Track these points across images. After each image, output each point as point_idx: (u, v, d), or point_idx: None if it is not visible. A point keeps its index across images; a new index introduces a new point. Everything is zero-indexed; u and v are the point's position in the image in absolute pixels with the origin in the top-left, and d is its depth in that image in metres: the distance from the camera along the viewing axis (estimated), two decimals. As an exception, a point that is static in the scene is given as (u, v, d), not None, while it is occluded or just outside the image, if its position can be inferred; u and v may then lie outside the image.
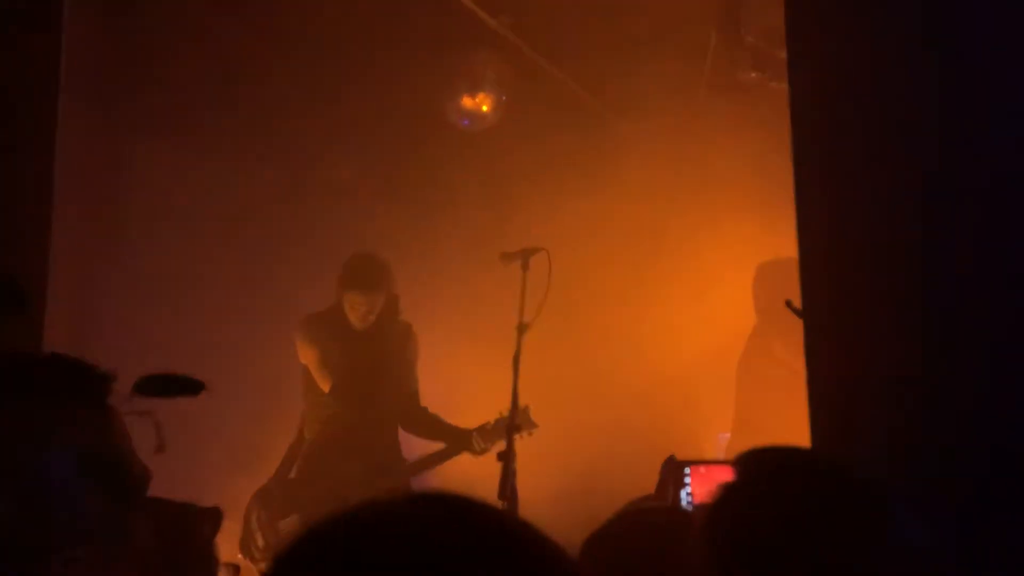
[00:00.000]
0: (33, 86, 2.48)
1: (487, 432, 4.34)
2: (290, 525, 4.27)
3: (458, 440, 4.41)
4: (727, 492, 1.21)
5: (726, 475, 1.25)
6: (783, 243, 4.35)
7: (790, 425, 4.06)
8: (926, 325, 1.95)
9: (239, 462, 4.53)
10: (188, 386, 1.27)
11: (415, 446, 4.62)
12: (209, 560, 1.18)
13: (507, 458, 3.75)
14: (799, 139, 2.19)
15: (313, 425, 4.44)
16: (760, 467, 1.23)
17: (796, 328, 4.09)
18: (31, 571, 0.97)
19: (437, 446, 4.52)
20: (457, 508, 0.74)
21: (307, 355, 4.40)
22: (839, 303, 2.11)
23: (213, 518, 1.22)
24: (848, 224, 2.12)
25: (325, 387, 4.37)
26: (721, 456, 5.19)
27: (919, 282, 1.97)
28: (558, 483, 4.59)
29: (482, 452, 4.36)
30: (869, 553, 1.09)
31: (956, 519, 1.72)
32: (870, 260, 2.06)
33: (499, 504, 3.54)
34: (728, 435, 4.77)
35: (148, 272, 4.73)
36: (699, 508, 1.30)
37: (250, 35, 4.65)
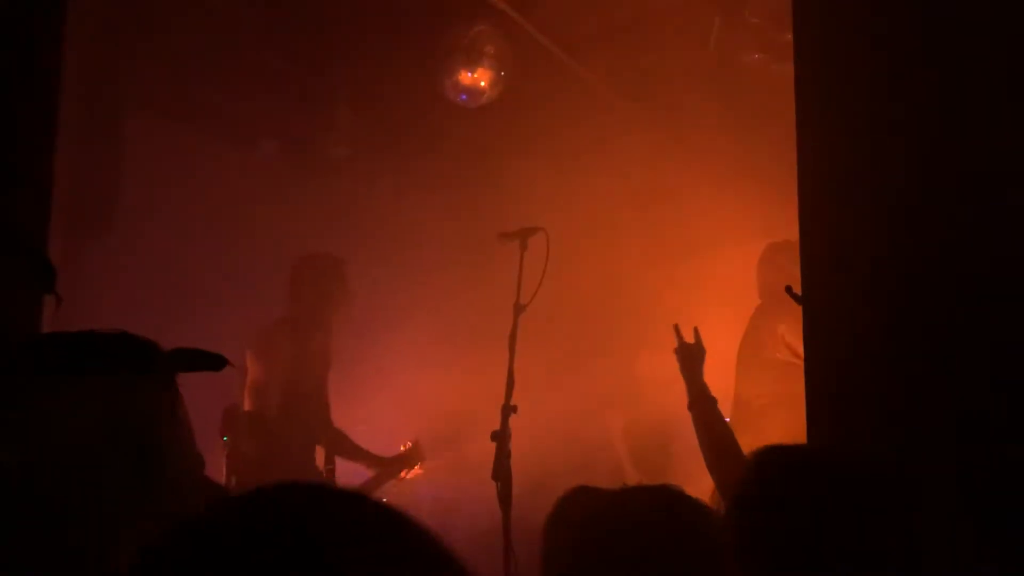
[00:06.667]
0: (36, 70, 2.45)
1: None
2: None
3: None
4: (751, 489, 1.19)
5: None
6: (789, 226, 4.32)
7: (789, 409, 4.06)
8: (926, 318, 1.93)
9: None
10: (212, 361, 1.29)
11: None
12: None
13: (501, 438, 3.73)
14: (803, 124, 2.16)
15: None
16: (784, 466, 1.21)
17: (800, 312, 4.10)
18: (52, 523, 0.97)
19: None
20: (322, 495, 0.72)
21: (271, 365, 4.19)
22: (839, 292, 2.08)
23: None
24: (850, 212, 2.08)
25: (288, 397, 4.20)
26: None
27: (921, 274, 1.94)
28: (547, 465, 4.57)
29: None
30: (900, 549, 1.08)
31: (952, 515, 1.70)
32: (872, 249, 2.03)
33: (494, 484, 3.52)
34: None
35: (141, 250, 4.67)
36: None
37: (246, 8, 4.57)
